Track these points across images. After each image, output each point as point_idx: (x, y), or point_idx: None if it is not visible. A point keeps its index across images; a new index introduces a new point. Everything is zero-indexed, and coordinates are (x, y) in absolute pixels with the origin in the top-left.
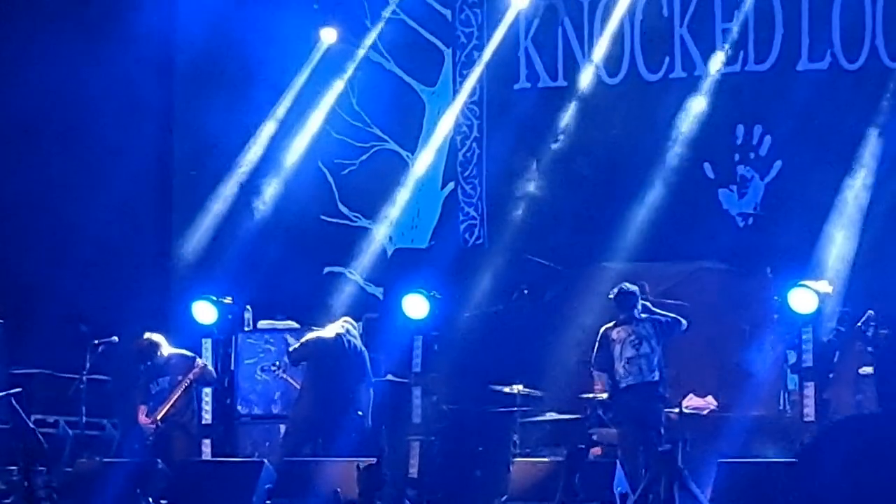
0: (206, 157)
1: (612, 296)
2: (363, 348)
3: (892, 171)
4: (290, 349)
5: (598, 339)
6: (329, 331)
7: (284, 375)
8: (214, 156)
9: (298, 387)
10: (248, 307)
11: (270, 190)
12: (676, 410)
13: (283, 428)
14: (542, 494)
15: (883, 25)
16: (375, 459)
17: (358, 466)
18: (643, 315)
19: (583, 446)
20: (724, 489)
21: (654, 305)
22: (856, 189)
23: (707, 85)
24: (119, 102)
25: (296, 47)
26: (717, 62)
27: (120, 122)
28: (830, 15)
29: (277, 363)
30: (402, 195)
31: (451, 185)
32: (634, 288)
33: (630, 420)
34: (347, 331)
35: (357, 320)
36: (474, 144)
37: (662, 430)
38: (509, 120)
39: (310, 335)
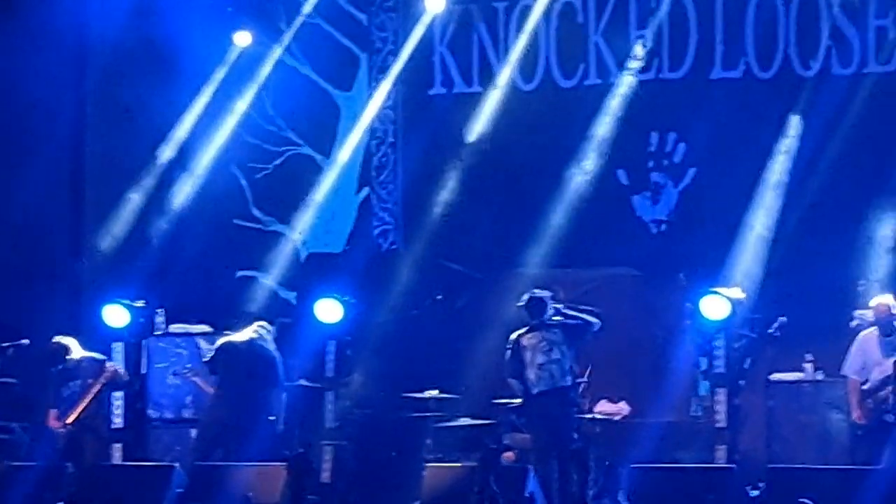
0: (118, 159)
1: (522, 303)
2: (277, 353)
3: (804, 179)
4: (207, 359)
5: (509, 345)
6: (242, 335)
7: (195, 378)
8: (127, 157)
9: (209, 390)
10: (161, 311)
11: (184, 193)
12: (589, 416)
13: (194, 432)
14: (454, 499)
15: (796, 34)
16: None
17: (286, 459)
18: (555, 320)
19: (495, 447)
20: (637, 494)
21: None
22: (768, 197)
23: (621, 92)
24: (30, 99)
25: (210, 50)
26: (631, 69)
27: (31, 121)
28: (744, 24)
29: (189, 365)
30: (317, 200)
31: (365, 190)
32: (544, 294)
33: (543, 425)
34: (261, 335)
35: (270, 325)
36: (389, 150)
37: (575, 436)
38: (424, 125)
39: (222, 340)
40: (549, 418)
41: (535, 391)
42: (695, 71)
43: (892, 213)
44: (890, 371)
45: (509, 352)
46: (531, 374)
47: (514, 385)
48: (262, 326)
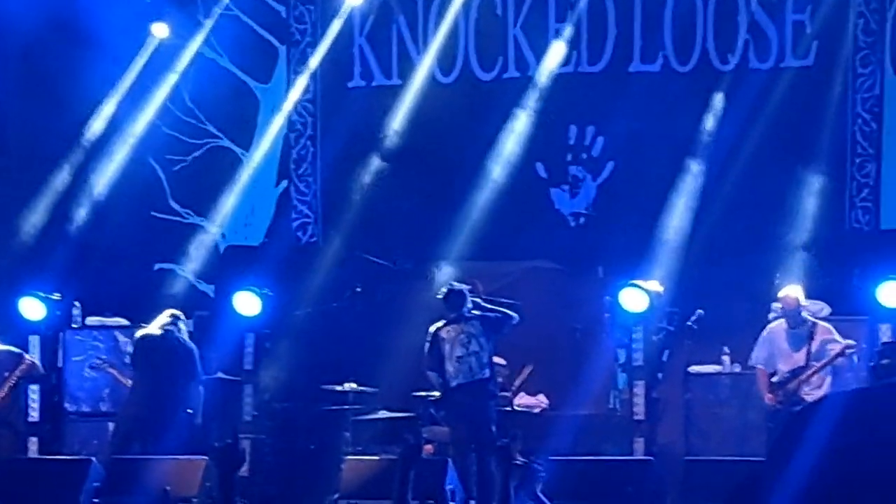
0: (34, 150)
1: (440, 295)
2: (193, 345)
3: (722, 173)
4: (130, 356)
5: (428, 338)
6: (155, 327)
7: (111, 370)
8: (43, 148)
9: (127, 382)
10: (77, 303)
11: (101, 184)
12: (508, 408)
13: (111, 426)
14: (373, 492)
15: (714, 28)
16: (205, 458)
17: (208, 452)
18: (473, 312)
19: (415, 441)
20: (556, 487)
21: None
22: (686, 190)
23: (540, 85)
24: None
25: (128, 41)
26: (550, 62)
27: None
28: (662, 17)
29: (104, 357)
30: (236, 192)
31: (285, 183)
32: (463, 287)
33: (462, 418)
34: (176, 325)
35: (188, 318)
36: (308, 142)
37: (494, 428)
38: (344, 118)
39: (139, 333)
40: (468, 411)
41: (453, 384)
42: (613, 64)
43: (808, 207)
44: (800, 363)
45: (428, 344)
46: (450, 367)
47: (432, 378)
48: (174, 316)
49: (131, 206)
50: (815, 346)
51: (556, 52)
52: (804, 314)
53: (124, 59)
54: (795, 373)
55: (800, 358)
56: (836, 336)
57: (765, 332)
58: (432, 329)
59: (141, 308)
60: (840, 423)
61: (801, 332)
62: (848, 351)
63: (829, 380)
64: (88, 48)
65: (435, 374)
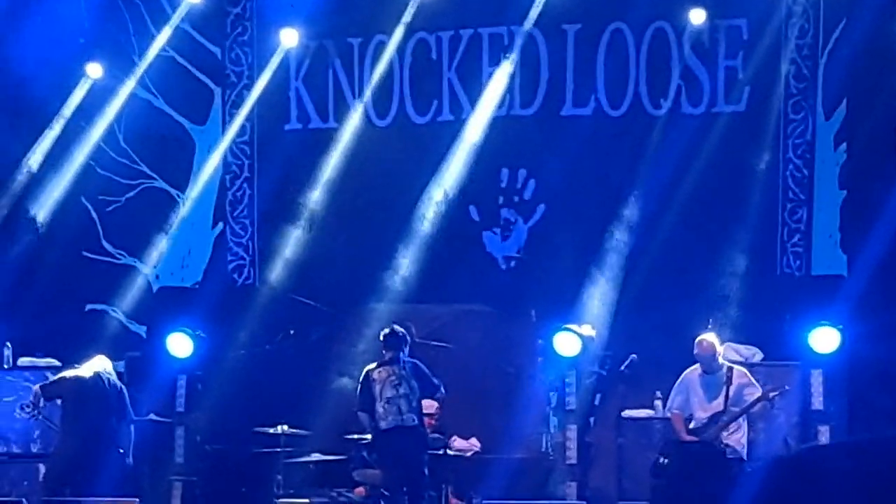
0: None
1: (381, 336)
2: (122, 386)
3: (654, 216)
4: (44, 385)
5: (360, 379)
6: (85, 369)
7: (41, 417)
8: None
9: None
10: (8, 344)
11: (32, 224)
12: (441, 452)
13: (42, 467)
14: None
15: (647, 73)
16: (137, 500)
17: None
18: (408, 358)
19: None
20: None
21: (419, 347)
22: (618, 234)
23: (473, 128)
24: None
25: (61, 81)
26: (483, 106)
27: None
28: (595, 61)
29: (30, 405)
30: (171, 233)
31: (221, 225)
32: (403, 330)
33: (393, 461)
34: (104, 368)
35: (119, 359)
36: (245, 184)
37: (426, 471)
38: (280, 160)
39: (66, 373)
40: (399, 453)
41: (383, 426)
42: (546, 108)
43: (740, 252)
44: (717, 409)
45: (360, 385)
46: (380, 408)
47: (363, 419)
48: (103, 360)
49: (63, 247)
50: (732, 390)
51: (490, 96)
52: (720, 359)
53: (58, 99)
54: (714, 419)
55: (718, 404)
56: (752, 380)
57: (680, 379)
58: (365, 370)
59: (72, 349)
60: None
61: (717, 377)
62: (772, 395)
63: (745, 425)
64: (22, 88)
65: (366, 415)
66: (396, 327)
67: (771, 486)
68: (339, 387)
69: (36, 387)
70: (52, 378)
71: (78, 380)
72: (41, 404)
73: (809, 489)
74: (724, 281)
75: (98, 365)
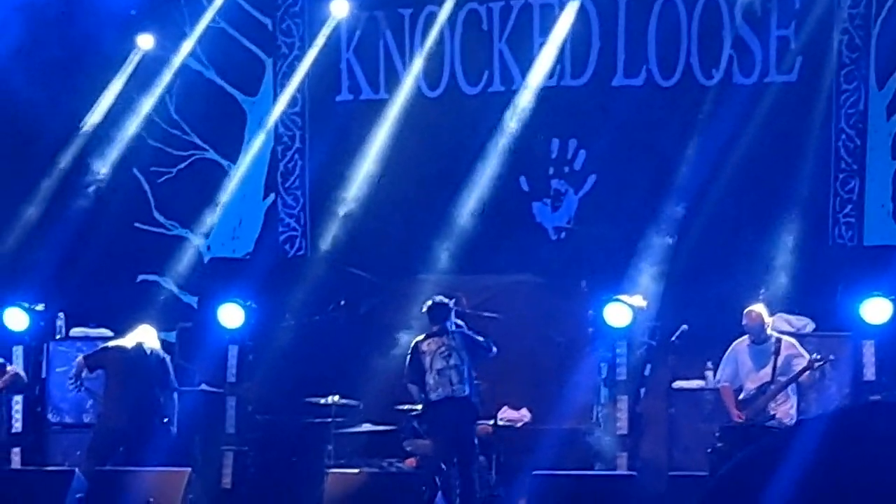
0: (19, 161)
1: (424, 308)
2: (165, 355)
3: (704, 187)
4: (87, 355)
5: (409, 351)
6: (128, 340)
7: (83, 388)
8: (28, 159)
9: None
10: (61, 314)
11: (85, 196)
12: (491, 423)
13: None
14: None
15: (698, 43)
16: (189, 469)
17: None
18: (455, 327)
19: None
20: (539, 502)
21: (469, 318)
22: (669, 204)
23: (524, 99)
24: None
25: (113, 52)
26: (534, 77)
27: None
28: (647, 32)
29: (73, 377)
30: (222, 204)
31: (272, 196)
32: (447, 301)
33: (443, 432)
34: (147, 338)
35: (171, 330)
36: (296, 155)
37: (476, 442)
38: (331, 131)
39: (108, 344)
40: (449, 424)
41: (433, 397)
42: (597, 78)
43: (791, 222)
44: (765, 380)
45: (409, 357)
46: (430, 380)
47: (413, 391)
48: (146, 329)
49: (115, 218)
50: (780, 361)
51: (541, 66)
52: (769, 330)
53: (110, 71)
54: (762, 389)
55: (766, 374)
56: (801, 350)
57: (729, 350)
58: (414, 341)
59: (124, 319)
60: (820, 447)
61: (765, 348)
62: (817, 364)
63: (794, 396)
64: (74, 60)
65: (416, 387)
66: (439, 298)
67: (821, 440)
68: (389, 357)
69: (79, 357)
70: (95, 350)
71: (120, 350)
72: (84, 375)
73: (859, 447)
74: (776, 251)
75: (141, 335)
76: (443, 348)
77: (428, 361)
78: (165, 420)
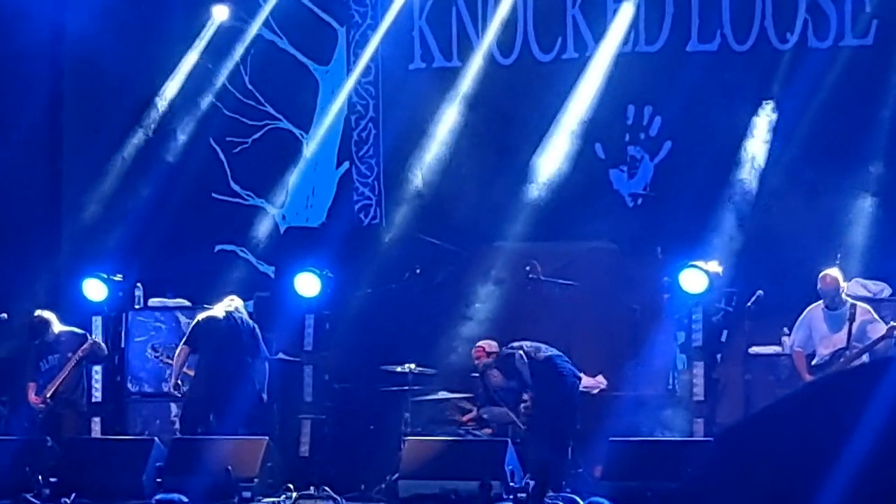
0: (96, 133)
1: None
2: (254, 324)
3: (780, 153)
4: (186, 339)
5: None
6: (218, 310)
7: (167, 360)
8: (104, 131)
9: (189, 372)
10: (139, 284)
11: (162, 167)
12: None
13: (173, 407)
14: (432, 472)
15: (773, 7)
16: (267, 438)
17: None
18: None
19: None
20: (615, 468)
21: (544, 285)
22: (744, 170)
23: (598, 66)
24: (5, 69)
25: (188, 23)
26: (608, 43)
27: (6, 92)
28: None
29: (156, 349)
30: (296, 174)
31: (346, 165)
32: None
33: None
34: (236, 308)
35: (248, 299)
36: (370, 124)
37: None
38: (405, 100)
39: (199, 316)
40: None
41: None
42: (671, 44)
43: (868, 187)
44: (839, 345)
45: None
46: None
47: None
48: (235, 299)
49: (192, 188)
50: (855, 327)
51: (615, 33)
52: (843, 295)
53: (185, 42)
54: (836, 355)
55: (840, 339)
56: (876, 317)
57: (803, 315)
58: None
59: (202, 290)
60: None
61: (840, 313)
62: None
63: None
64: (150, 30)
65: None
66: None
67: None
68: (465, 325)
69: (180, 347)
70: (188, 330)
71: (213, 320)
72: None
73: None
74: (852, 216)
75: (230, 304)
76: None
77: None
78: (257, 388)
